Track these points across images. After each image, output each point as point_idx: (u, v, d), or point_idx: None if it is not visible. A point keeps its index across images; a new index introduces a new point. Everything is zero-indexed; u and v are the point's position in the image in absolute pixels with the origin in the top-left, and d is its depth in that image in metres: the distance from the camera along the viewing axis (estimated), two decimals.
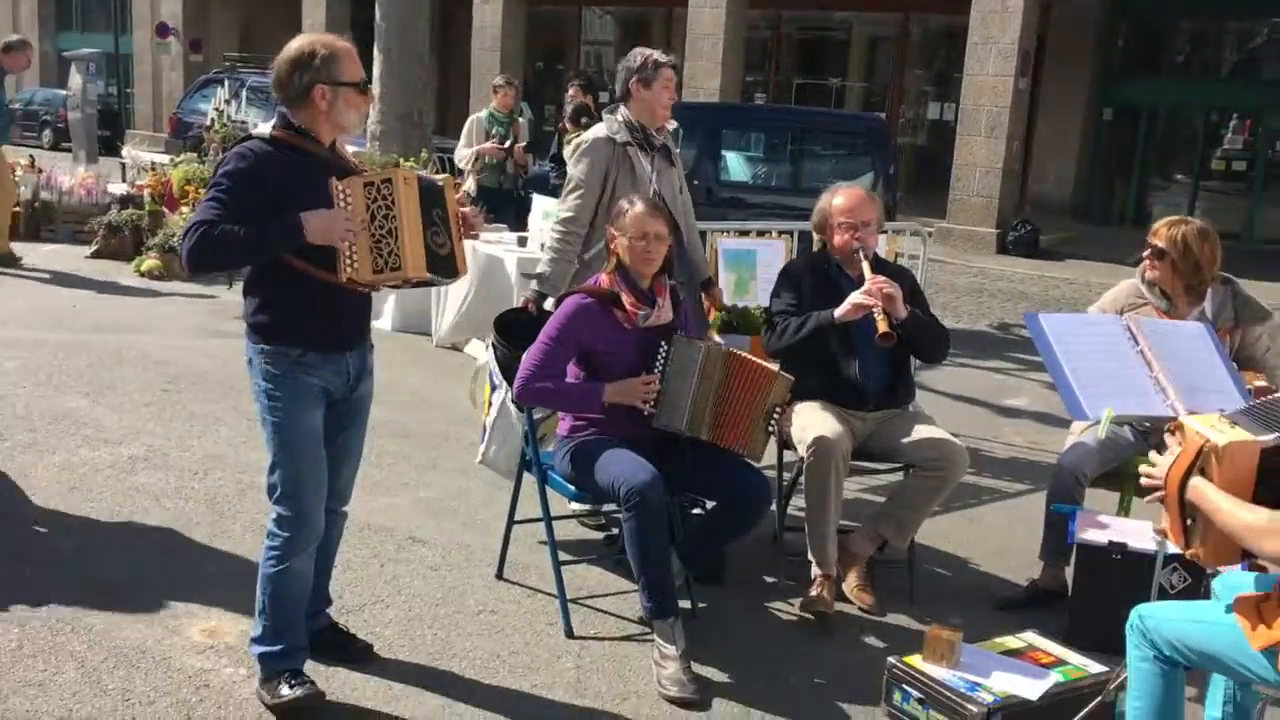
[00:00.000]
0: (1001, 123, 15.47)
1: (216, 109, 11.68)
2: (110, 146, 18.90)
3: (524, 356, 3.84)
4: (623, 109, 4.62)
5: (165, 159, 12.23)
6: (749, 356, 3.93)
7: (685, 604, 3.92)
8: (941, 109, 19.92)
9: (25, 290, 8.89)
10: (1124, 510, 4.34)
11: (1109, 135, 18.59)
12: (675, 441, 3.84)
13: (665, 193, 4.61)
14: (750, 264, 6.06)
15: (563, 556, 3.98)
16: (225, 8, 26.02)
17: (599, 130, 4.62)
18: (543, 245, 7.11)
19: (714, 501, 4.05)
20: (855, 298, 4.09)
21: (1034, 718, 3.26)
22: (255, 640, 3.26)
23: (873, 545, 4.26)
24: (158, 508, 4.67)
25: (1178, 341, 3.38)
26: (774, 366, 3.93)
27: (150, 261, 9.70)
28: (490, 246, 7.43)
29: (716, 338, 4.72)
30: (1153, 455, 2.79)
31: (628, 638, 3.85)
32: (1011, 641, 3.63)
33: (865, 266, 4.17)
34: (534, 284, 4.58)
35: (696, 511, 4.31)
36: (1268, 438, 2.60)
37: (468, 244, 3.54)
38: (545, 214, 7.30)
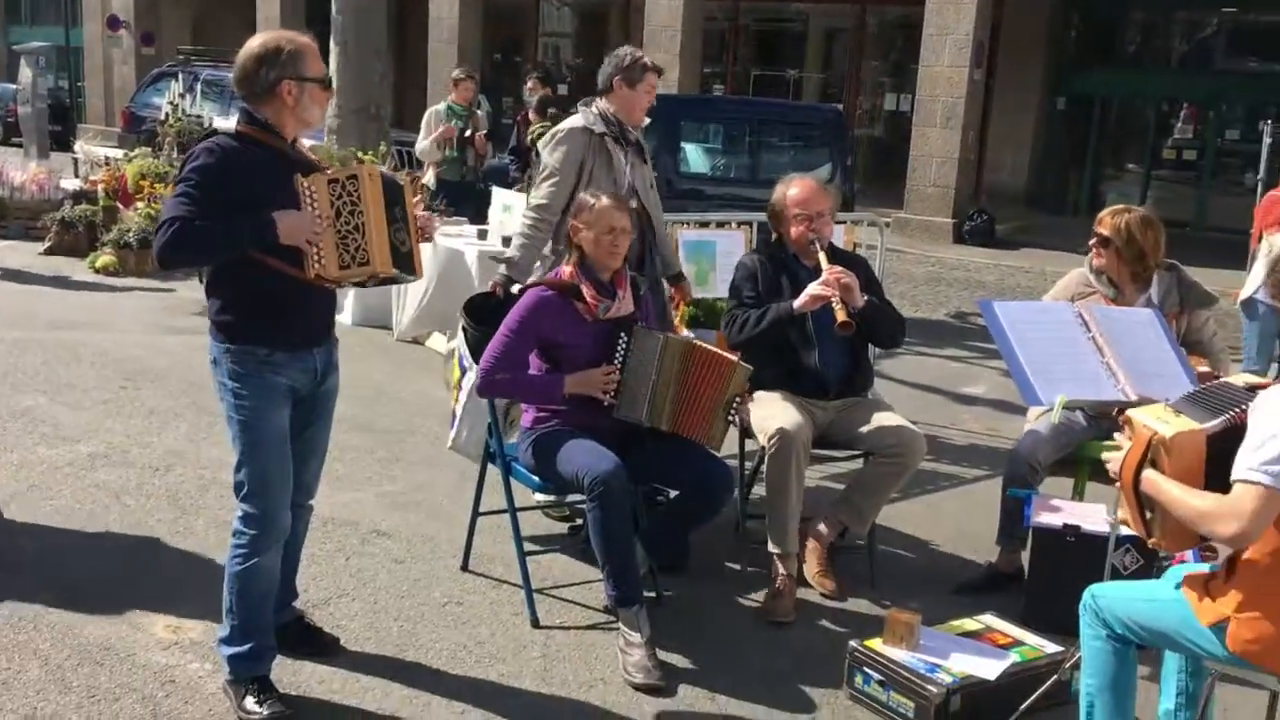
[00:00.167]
0: (957, 113, 15.62)
1: (171, 103, 11.57)
2: (62, 141, 18.62)
3: (486, 348, 3.86)
4: (601, 102, 4.64)
5: (119, 154, 12.09)
6: (708, 346, 3.97)
7: (650, 592, 3.96)
8: (898, 100, 20.07)
9: None
10: (1078, 495, 4.43)
11: (1062, 125, 18.83)
12: (636, 432, 3.87)
13: (639, 187, 4.65)
14: (710, 255, 6.10)
15: (528, 547, 4.01)
16: (177, 3, 25.68)
17: (576, 120, 4.63)
18: (503, 239, 7.17)
19: (677, 491, 4.09)
20: (813, 289, 4.14)
21: (992, 697, 3.34)
22: (223, 641, 3.24)
23: (833, 532, 4.33)
24: (118, 505, 4.64)
25: (1127, 327, 3.46)
26: (733, 356, 3.98)
27: (105, 258, 9.60)
28: (450, 240, 7.42)
29: (686, 332, 4.77)
30: (1108, 451, 2.87)
31: (593, 626, 3.88)
32: (970, 624, 3.72)
33: (821, 257, 4.23)
34: (502, 268, 4.60)
35: (660, 499, 4.35)
36: (1212, 424, 2.68)
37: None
38: (505, 207, 7.32)
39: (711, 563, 4.42)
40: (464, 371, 4.22)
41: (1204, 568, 2.88)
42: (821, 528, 4.30)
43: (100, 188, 10.52)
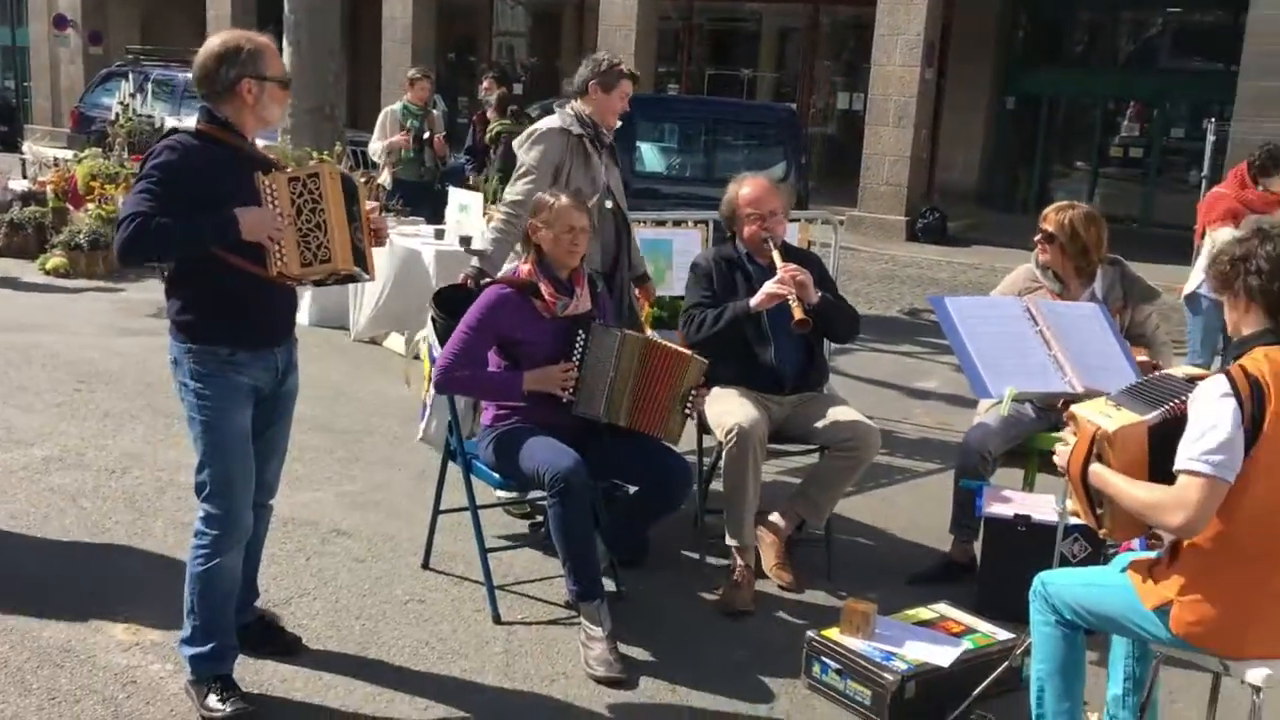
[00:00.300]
0: (909, 112, 15.79)
1: (121, 103, 11.44)
2: (9, 142, 18.33)
3: (445, 346, 3.89)
4: (577, 104, 4.70)
5: (68, 154, 11.93)
6: (664, 342, 4.03)
7: (610, 587, 4.00)
8: (851, 99, 20.24)
9: None
10: (1029, 485, 4.54)
11: (1012, 124, 19.08)
12: (595, 428, 3.92)
13: (614, 189, 4.73)
14: (666, 253, 6.15)
15: (489, 544, 4.04)
16: (125, 2, 25.33)
17: (553, 121, 4.69)
18: (461, 238, 7.17)
19: (636, 486, 4.14)
20: (769, 287, 4.21)
21: (945, 684, 3.42)
22: (185, 641, 3.24)
23: (791, 525, 4.40)
24: (75, 508, 4.61)
25: (1073, 321, 3.56)
26: (688, 350, 4.03)
27: (56, 259, 9.48)
28: (408, 240, 7.42)
29: (651, 333, 4.83)
30: (1056, 446, 2.95)
31: (555, 621, 3.92)
32: (924, 613, 3.80)
33: (775, 255, 4.29)
34: (474, 260, 4.65)
35: (619, 495, 4.40)
36: (1152, 416, 2.77)
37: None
38: (462, 207, 7.32)
39: (671, 557, 4.47)
40: (433, 363, 4.24)
41: (1149, 554, 2.97)
42: (779, 521, 4.37)
43: (49, 189, 10.38)
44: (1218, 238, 6.05)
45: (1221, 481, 2.55)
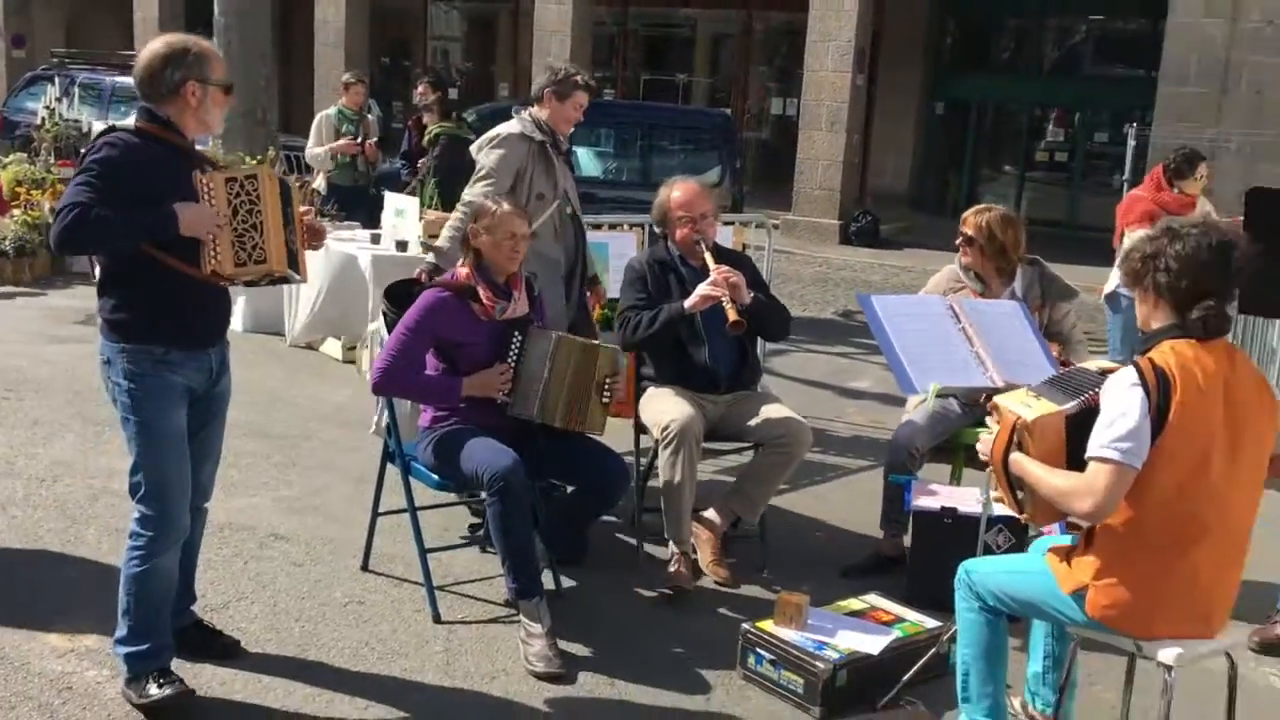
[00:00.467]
0: (841, 118, 16.02)
1: (47, 107, 11.23)
2: None
3: (383, 347, 3.92)
4: (535, 110, 4.77)
5: None
6: (597, 343, 4.09)
7: (549, 585, 4.05)
8: (784, 104, 20.46)
9: None
10: (956, 479, 4.67)
11: (941, 129, 19.43)
12: (533, 428, 3.97)
13: (571, 195, 4.84)
14: (603, 256, 6.21)
15: (428, 545, 4.07)
16: (49, 4, 24.81)
17: (514, 127, 4.76)
18: (397, 243, 7.18)
19: (574, 486, 4.20)
20: (703, 289, 4.29)
21: (876, 670, 3.52)
22: (119, 641, 3.25)
23: (726, 521, 4.48)
24: (5, 517, 4.55)
25: (994, 319, 3.69)
26: (596, 341, 4.09)
27: None
28: (343, 244, 7.39)
29: (603, 336, 4.90)
30: (981, 433, 3.07)
31: (495, 620, 3.96)
32: (855, 603, 3.90)
33: (708, 257, 4.38)
34: (430, 256, 4.71)
35: (557, 494, 4.45)
36: (1069, 406, 2.89)
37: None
38: (398, 211, 7.32)
39: (609, 555, 4.53)
40: None
41: (1066, 539, 3.10)
42: (714, 518, 4.44)
43: None
44: (1134, 239, 6.25)
45: (1129, 468, 2.67)
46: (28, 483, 4.93)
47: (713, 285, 4.26)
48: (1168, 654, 2.78)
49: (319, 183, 9.23)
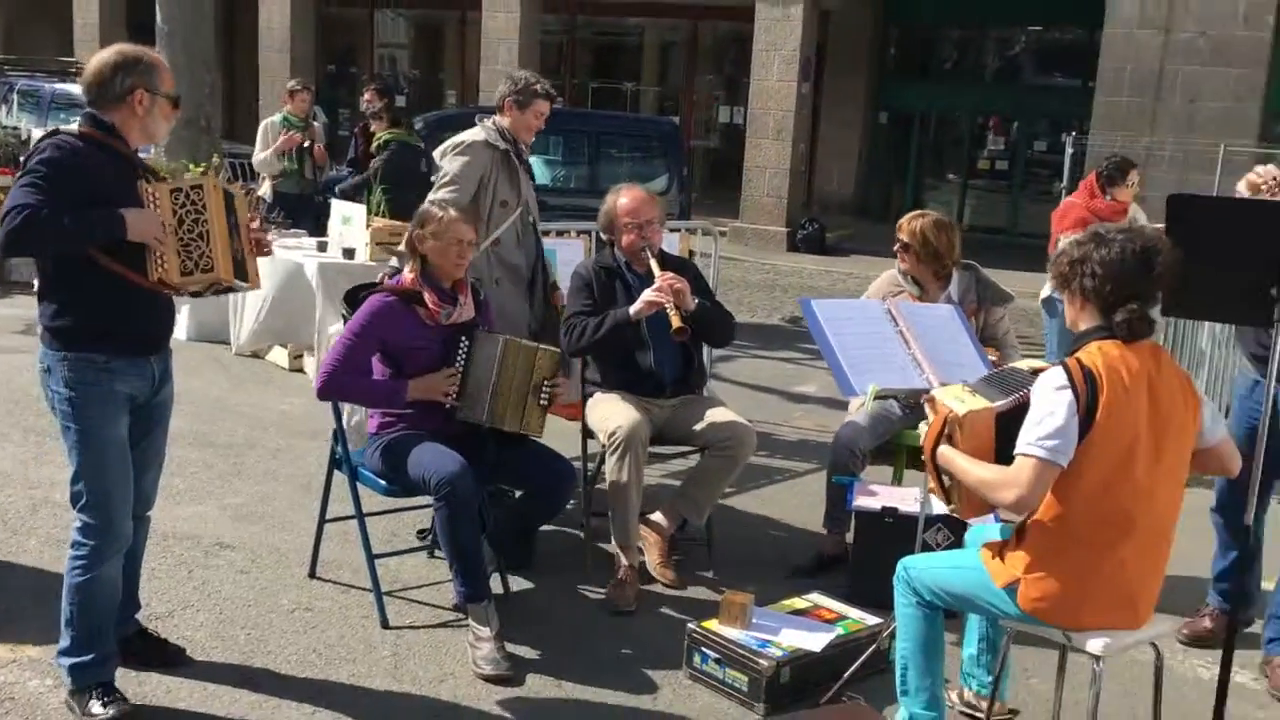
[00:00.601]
0: (787, 126, 16.20)
1: None
2: None
3: (328, 353, 3.93)
4: (499, 119, 4.81)
5: None
6: (546, 347, 4.13)
7: (497, 589, 4.08)
8: (732, 112, 20.63)
9: None
10: (897, 480, 4.76)
11: (885, 137, 19.70)
12: (481, 433, 4.00)
13: (531, 202, 4.90)
14: (551, 263, 6.24)
15: (376, 551, 4.07)
16: None
17: (478, 134, 4.79)
18: (344, 250, 7.16)
19: (522, 490, 4.23)
20: (648, 295, 4.34)
21: (818, 667, 3.59)
22: (63, 652, 3.22)
23: (673, 524, 4.53)
24: None
25: (931, 322, 3.77)
26: (534, 343, 4.13)
27: None
28: (289, 252, 7.36)
29: None
30: (920, 426, 3.15)
31: (443, 625, 3.98)
32: (799, 602, 3.97)
33: (653, 263, 4.44)
34: (394, 260, 4.73)
35: (506, 499, 4.47)
36: (1002, 403, 2.98)
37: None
38: (345, 219, 7.30)
39: (557, 558, 4.57)
40: None
41: (997, 528, 3.20)
42: (661, 520, 4.50)
43: None
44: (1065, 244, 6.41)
45: (1053, 465, 2.76)
46: None
47: (657, 292, 4.32)
48: (1095, 644, 2.87)
49: (264, 190, 9.17)
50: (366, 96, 8.78)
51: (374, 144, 8.51)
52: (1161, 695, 3.08)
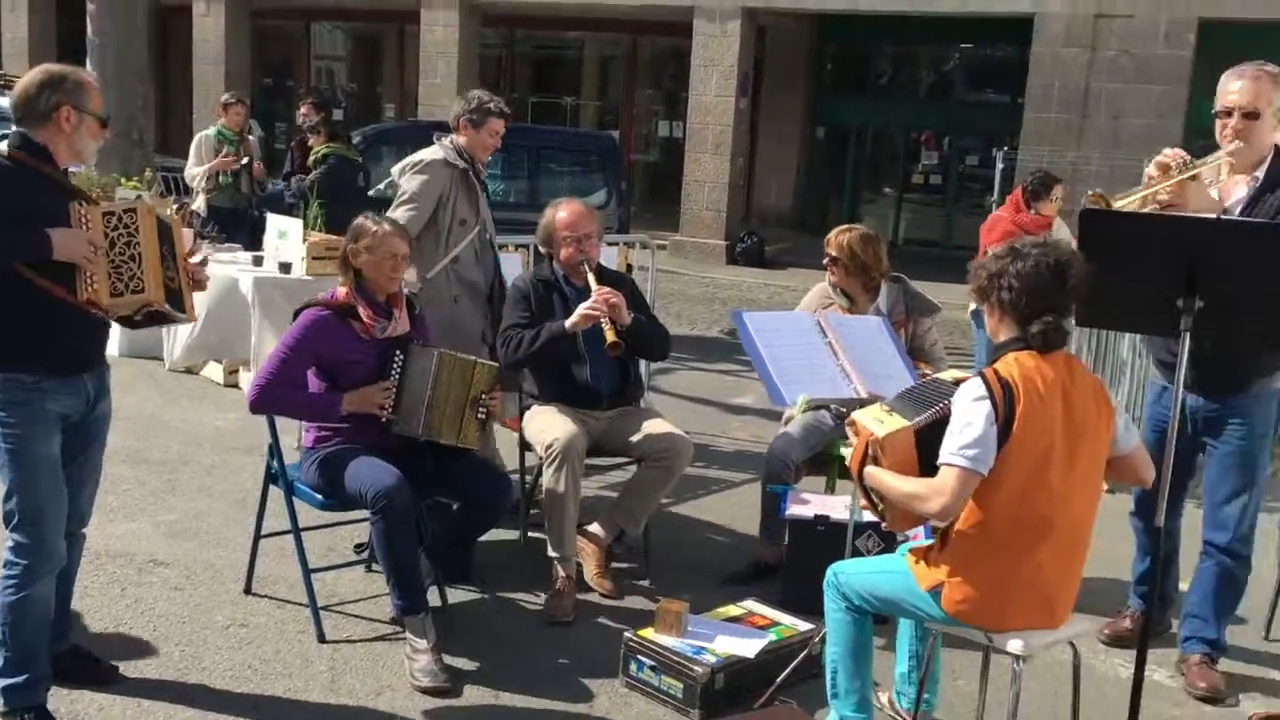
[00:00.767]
0: (726, 140, 16.37)
1: None
2: None
3: (262, 366, 3.94)
4: (455, 138, 4.88)
5: None
6: (481, 360, 4.17)
7: (435, 601, 4.10)
8: (671, 127, 20.78)
9: None
10: (830, 489, 4.86)
11: (822, 152, 19.97)
12: (417, 446, 4.02)
13: (488, 220, 4.97)
14: None
15: (312, 565, 4.07)
16: None
17: (436, 153, 4.86)
18: (280, 264, 7.13)
19: (459, 502, 4.25)
20: (584, 309, 4.40)
21: (752, 672, 3.66)
22: None
23: (610, 535, 4.58)
24: None
25: (859, 333, 3.88)
26: (471, 356, 4.17)
27: None
28: (224, 267, 7.31)
29: None
30: (841, 448, 3.23)
31: (380, 638, 3.99)
32: (733, 610, 4.04)
33: (590, 277, 4.50)
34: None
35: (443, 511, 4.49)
36: (919, 419, 3.07)
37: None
38: (281, 233, 7.28)
39: (494, 570, 4.59)
40: None
41: (927, 542, 3.29)
42: (598, 531, 4.55)
43: None
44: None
45: (974, 473, 2.86)
46: None
47: (593, 306, 4.37)
48: (1015, 645, 2.97)
49: (198, 204, 9.10)
50: (303, 110, 8.77)
51: (311, 158, 8.49)
52: (1080, 693, 3.20)
